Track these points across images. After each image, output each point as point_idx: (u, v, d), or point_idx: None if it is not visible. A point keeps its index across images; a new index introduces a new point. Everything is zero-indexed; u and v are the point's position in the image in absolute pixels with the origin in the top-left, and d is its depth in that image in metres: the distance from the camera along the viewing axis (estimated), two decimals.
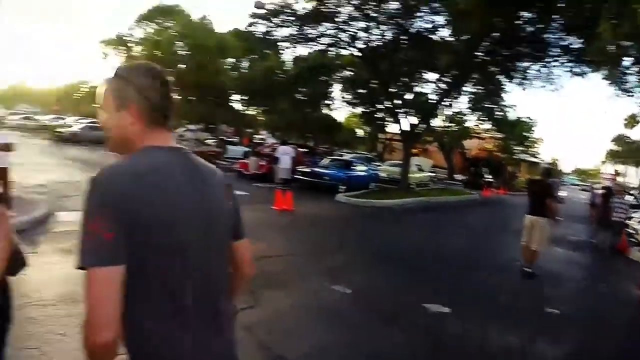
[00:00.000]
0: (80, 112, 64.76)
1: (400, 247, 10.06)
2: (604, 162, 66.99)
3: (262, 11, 20.10)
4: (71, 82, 63.63)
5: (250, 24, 21.16)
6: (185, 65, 36.20)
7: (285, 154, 17.46)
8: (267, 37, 21.21)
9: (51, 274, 5.72)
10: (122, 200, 1.30)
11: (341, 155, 29.28)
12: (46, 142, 30.12)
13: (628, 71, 14.93)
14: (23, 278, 5.13)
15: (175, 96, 1.60)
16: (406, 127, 22.14)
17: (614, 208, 12.05)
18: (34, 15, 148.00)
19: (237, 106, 43.53)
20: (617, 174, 45.19)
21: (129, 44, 42.39)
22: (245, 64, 41.06)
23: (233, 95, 40.66)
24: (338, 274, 7.03)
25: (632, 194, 20.30)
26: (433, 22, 19.20)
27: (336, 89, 38.70)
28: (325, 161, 21.60)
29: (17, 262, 2.39)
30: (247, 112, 43.46)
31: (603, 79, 15.12)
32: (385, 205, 16.29)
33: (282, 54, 33.32)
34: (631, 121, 28.42)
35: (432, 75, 23.51)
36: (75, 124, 36.85)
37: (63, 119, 45.46)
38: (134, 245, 1.31)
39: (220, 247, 1.57)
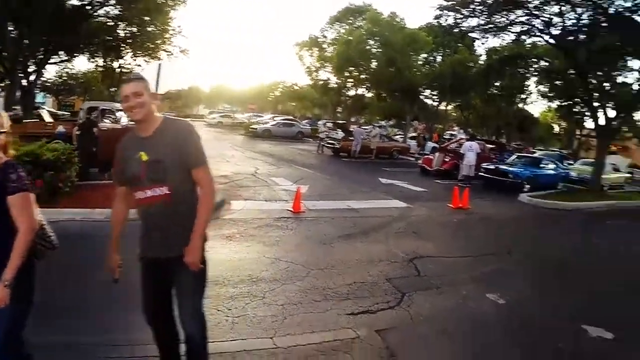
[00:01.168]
0: (275, 110, 69.94)
1: (578, 257, 8.97)
2: None
3: (450, 3, 19.36)
4: (266, 83, 69.43)
5: (437, 17, 20.50)
6: (376, 62, 36.94)
7: (470, 150, 17.15)
8: (454, 28, 20.39)
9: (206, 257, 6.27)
10: None
11: (533, 153, 27.83)
12: (240, 137, 33.15)
13: None
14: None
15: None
16: (602, 121, 19.68)
17: None
18: (236, 22, 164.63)
19: (429, 102, 43.30)
20: None
21: (322, 45, 44.46)
22: (438, 58, 40.48)
23: (425, 90, 40.37)
24: (497, 281, 6.74)
25: None
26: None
27: (532, 82, 36.76)
28: (512, 158, 20.28)
29: (41, 246, 2.77)
30: (438, 107, 42.71)
31: None
32: (570, 208, 14.73)
33: (475, 47, 31.84)
34: None
35: (636, 63, 20.60)
36: (269, 121, 40.02)
37: (260, 116, 49.46)
38: None
39: None
